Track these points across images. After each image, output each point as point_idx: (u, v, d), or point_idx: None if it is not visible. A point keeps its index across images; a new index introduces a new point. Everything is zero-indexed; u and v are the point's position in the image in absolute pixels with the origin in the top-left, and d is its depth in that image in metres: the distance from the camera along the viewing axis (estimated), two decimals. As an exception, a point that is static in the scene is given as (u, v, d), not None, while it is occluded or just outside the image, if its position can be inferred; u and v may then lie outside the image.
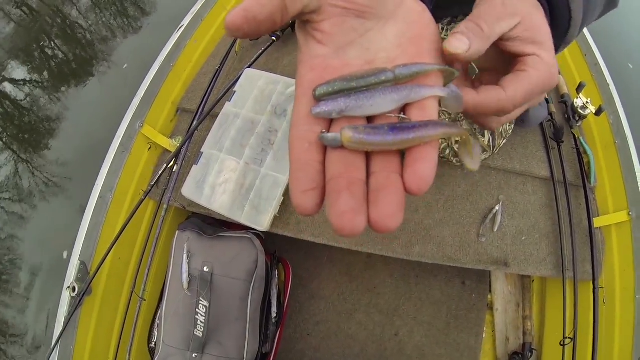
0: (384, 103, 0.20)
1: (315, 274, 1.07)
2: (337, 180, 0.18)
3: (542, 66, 0.24)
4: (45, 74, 2.44)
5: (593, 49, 1.06)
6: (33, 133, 2.16)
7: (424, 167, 0.18)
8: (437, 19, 0.27)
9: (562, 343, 0.77)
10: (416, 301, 1.03)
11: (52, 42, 2.62)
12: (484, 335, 1.00)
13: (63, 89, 2.31)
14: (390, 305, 1.03)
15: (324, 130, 0.19)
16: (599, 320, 0.79)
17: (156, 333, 0.88)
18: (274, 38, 0.88)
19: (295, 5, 0.19)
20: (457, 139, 0.79)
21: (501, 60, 0.26)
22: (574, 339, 0.76)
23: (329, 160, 0.19)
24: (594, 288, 0.80)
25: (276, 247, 0.96)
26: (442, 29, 0.66)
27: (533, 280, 1.05)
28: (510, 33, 0.24)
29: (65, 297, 0.75)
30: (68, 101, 2.17)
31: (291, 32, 0.94)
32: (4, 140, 2.14)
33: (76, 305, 0.74)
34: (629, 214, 0.87)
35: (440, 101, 0.22)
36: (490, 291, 1.05)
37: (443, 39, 0.23)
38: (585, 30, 1.10)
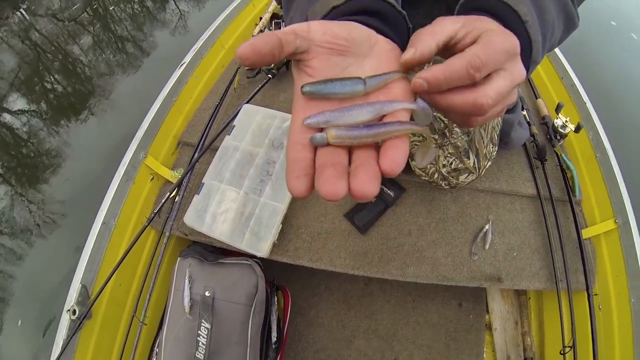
0: (361, 114, 0.26)
1: (313, 302, 1.11)
2: (324, 164, 0.24)
3: (494, 33, 0.27)
4: (45, 106, 2.54)
5: (569, 72, 1.17)
6: (30, 167, 2.22)
7: (395, 153, 0.24)
8: None
9: (562, 352, 0.80)
10: (414, 325, 1.07)
11: (53, 77, 2.76)
12: (484, 356, 1.03)
13: (62, 122, 2.40)
14: (389, 330, 1.06)
15: (316, 134, 0.25)
16: (596, 326, 0.82)
17: (155, 361, 0.91)
18: (269, 76, 0.98)
19: (290, 45, 0.26)
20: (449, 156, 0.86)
21: None
22: (573, 347, 0.79)
23: (318, 154, 0.25)
24: (589, 295, 0.84)
25: (274, 276, 1.01)
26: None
27: (529, 298, 1.09)
28: (458, 34, 0.28)
29: (65, 319, 0.78)
30: (66, 136, 2.24)
31: (285, 71, 1.04)
32: (1, 172, 2.19)
33: (76, 328, 0.77)
34: (615, 222, 0.93)
35: (412, 115, 0.28)
36: (487, 311, 1.09)
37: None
38: (561, 55, 1.22)
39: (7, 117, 2.51)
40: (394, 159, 0.24)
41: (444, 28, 0.28)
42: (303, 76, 0.28)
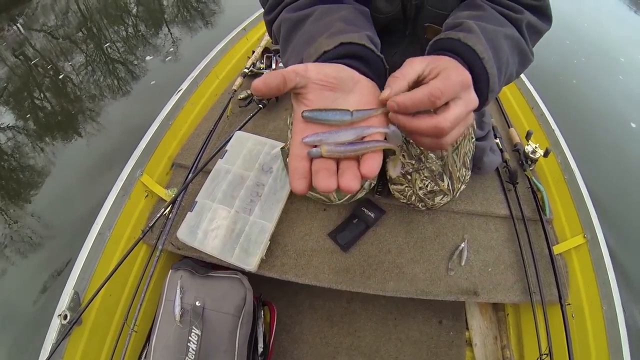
0: (346, 135, 0.35)
1: (297, 320, 1.18)
2: (318, 169, 0.33)
3: (452, 70, 0.36)
4: (31, 123, 2.61)
5: (539, 102, 1.32)
6: (12, 181, 2.25)
7: (372, 162, 0.34)
8: None
9: (538, 359, 0.88)
10: (396, 342, 1.15)
11: (42, 93, 2.85)
12: (465, 372, 1.11)
13: (47, 140, 2.44)
14: (371, 347, 1.14)
15: (312, 149, 0.34)
16: (570, 333, 0.90)
17: (143, 373, 0.97)
18: (260, 106, 1.11)
19: (292, 82, 0.35)
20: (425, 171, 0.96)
21: None
22: (550, 354, 0.87)
23: (314, 163, 0.34)
24: (562, 305, 0.93)
25: (261, 293, 1.09)
26: None
27: (507, 314, 1.18)
28: (425, 72, 0.37)
29: (55, 324, 0.82)
30: (52, 155, 2.29)
31: (275, 102, 1.17)
32: None
33: (65, 333, 0.82)
34: (584, 237, 1.04)
35: (386, 137, 0.37)
36: (467, 328, 1.17)
37: None
38: (530, 86, 1.38)
39: None
40: (371, 165, 0.34)
41: (413, 69, 0.37)
42: (301, 106, 0.38)
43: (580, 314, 0.98)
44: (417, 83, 0.38)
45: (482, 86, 0.43)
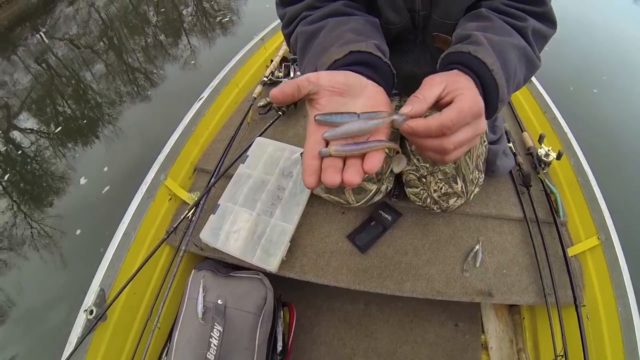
0: (357, 125, 0.39)
1: (315, 321, 1.22)
2: (327, 166, 0.38)
3: (465, 97, 0.39)
4: (53, 128, 2.75)
5: (551, 106, 1.35)
6: (35, 185, 2.35)
7: (373, 159, 0.38)
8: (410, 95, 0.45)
9: None
10: (412, 344, 1.17)
11: (64, 100, 2.99)
12: (481, 375, 1.13)
13: (70, 145, 2.56)
14: (388, 349, 1.17)
15: (322, 149, 0.39)
16: (585, 334, 0.92)
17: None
18: (280, 113, 1.17)
19: (305, 89, 0.39)
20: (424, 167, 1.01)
21: None
22: (565, 355, 0.89)
23: (323, 162, 0.39)
24: (577, 307, 0.95)
25: (281, 294, 1.13)
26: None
27: (524, 318, 1.21)
28: (442, 93, 0.41)
29: (82, 319, 0.88)
30: (72, 160, 2.40)
31: (294, 109, 1.23)
32: (4, 185, 2.29)
33: (91, 328, 0.87)
34: (598, 238, 1.06)
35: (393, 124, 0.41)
36: (483, 331, 1.20)
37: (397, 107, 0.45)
38: (542, 91, 1.41)
39: (16, 135, 2.67)
40: (372, 162, 0.38)
41: (432, 92, 0.41)
42: (314, 110, 0.42)
43: (595, 315, 1.00)
44: (436, 103, 0.42)
45: (492, 96, 0.46)
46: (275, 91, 0.38)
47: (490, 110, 0.47)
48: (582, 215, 1.14)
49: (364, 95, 0.44)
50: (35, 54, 3.50)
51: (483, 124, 0.42)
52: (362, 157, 0.39)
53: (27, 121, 2.80)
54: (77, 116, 2.81)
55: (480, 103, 0.40)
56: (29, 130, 2.71)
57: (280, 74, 1.40)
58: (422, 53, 0.76)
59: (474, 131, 0.41)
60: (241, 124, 1.25)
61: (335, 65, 0.48)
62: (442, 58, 0.51)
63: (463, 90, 0.41)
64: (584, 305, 1.00)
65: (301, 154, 1.12)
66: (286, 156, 1.12)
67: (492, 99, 0.47)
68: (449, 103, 0.41)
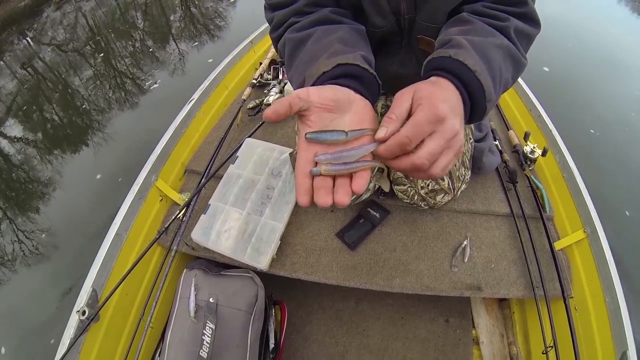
0: (353, 155, 0.42)
1: (307, 320, 1.25)
2: (318, 187, 0.41)
3: (421, 107, 0.40)
4: (40, 135, 2.74)
5: (536, 104, 1.40)
6: (22, 192, 2.34)
7: (360, 180, 0.41)
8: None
9: (544, 352, 0.93)
10: (404, 340, 1.20)
11: (51, 106, 2.98)
12: (472, 369, 1.16)
13: (56, 152, 2.55)
14: (380, 346, 1.20)
15: (313, 168, 0.42)
16: (574, 325, 0.95)
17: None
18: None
19: (296, 107, 0.42)
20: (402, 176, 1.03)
21: None
22: (554, 346, 0.92)
23: (315, 181, 0.41)
24: (564, 299, 0.98)
25: (272, 293, 1.16)
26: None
27: (513, 312, 1.24)
28: (413, 106, 0.42)
29: (74, 320, 0.89)
30: (60, 167, 2.39)
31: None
32: None
33: (83, 328, 0.88)
34: (584, 232, 1.10)
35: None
36: (473, 326, 1.23)
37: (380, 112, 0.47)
38: (527, 90, 1.46)
39: (2, 142, 2.66)
40: (359, 184, 0.41)
41: (402, 107, 0.42)
42: (305, 127, 0.44)
43: (583, 306, 1.03)
44: (408, 117, 0.43)
45: (479, 97, 0.47)
46: (268, 112, 0.40)
47: (479, 112, 0.48)
48: (568, 210, 1.18)
49: (351, 111, 0.46)
50: (22, 59, 3.50)
51: (450, 127, 0.40)
52: (350, 176, 0.42)
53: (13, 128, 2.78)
54: (63, 123, 2.79)
55: (438, 108, 0.40)
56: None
57: (269, 76, 1.44)
58: (408, 55, 0.78)
59: (442, 137, 0.40)
60: (231, 125, 1.28)
61: (323, 78, 0.50)
62: (424, 65, 0.52)
63: (422, 99, 0.41)
64: (572, 297, 1.04)
65: (290, 154, 1.16)
66: (275, 156, 1.15)
67: (479, 101, 0.47)
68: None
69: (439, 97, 0.41)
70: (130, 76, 3.10)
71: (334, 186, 0.42)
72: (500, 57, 0.53)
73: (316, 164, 0.42)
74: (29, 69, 3.37)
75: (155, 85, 2.89)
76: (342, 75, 0.50)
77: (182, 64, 3.10)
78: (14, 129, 2.80)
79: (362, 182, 0.42)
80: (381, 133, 0.42)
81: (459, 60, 0.46)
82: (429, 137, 0.40)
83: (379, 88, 0.54)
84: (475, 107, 0.48)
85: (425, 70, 0.51)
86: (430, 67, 0.50)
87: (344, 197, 0.40)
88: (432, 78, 0.47)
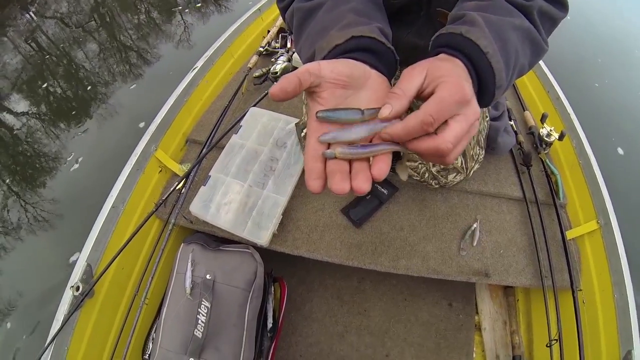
0: (360, 132, 0.36)
1: (307, 297, 1.19)
2: (333, 171, 0.35)
3: (445, 84, 0.35)
4: (45, 109, 2.65)
5: (554, 85, 1.30)
6: (26, 167, 2.28)
7: (382, 164, 0.35)
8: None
9: (548, 344, 0.87)
10: (405, 322, 1.14)
11: (56, 81, 2.89)
12: (474, 355, 1.10)
13: (62, 126, 2.48)
14: (381, 327, 1.14)
15: (326, 150, 0.36)
16: (581, 319, 0.89)
17: (151, 345, 0.98)
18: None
19: (306, 82, 0.36)
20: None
21: None
22: (559, 340, 0.86)
23: (328, 164, 0.36)
24: (573, 291, 0.92)
25: (272, 269, 1.09)
26: None
27: (518, 300, 1.17)
28: (424, 84, 0.36)
29: (68, 296, 0.83)
30: (66, 141, 2.32)
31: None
32: None
33: (77, 304, 0.83)
34: (597, 223, 1.02)
35: None
36: (477, 312, 1.17)
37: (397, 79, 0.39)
38: (546, 70, 1.36)
39: (7, 117, 2.59)
40: (381, 168, 0.35)
41: (412, 84, 0.36)
42: (316, 105, 0.39)
43: (591, 301, 0.97)
44: (418, 96, 0.38)
45: (488, 82, 0.41)
46: (275, 90, 0.35)
47: (487, 98, 0.42)
48: (582, 198, 1.10)
49: (367, 88, 0.40)
50: (25, 34, 3.38)
51: (474, 110, 0.36)
52: (368, 159, 0.36)
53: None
54: (68, 97, 2.70)
55: (465, 87, 0.35)
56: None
57: (277, 45, 1.33)
58: (426, 26, 0.71)
59: (467, 121, 0.35)
60: (235, 94, 1.18)
61: (335, 51, 0.43)
62: (432, 40, 0.45)
63: (443, 77, 0.36)
64: (581, 290, 0.98)
65: (296, 124, 1.07)
66: (280, 126, 1.06)
67: (488, 86, 0.41)
68: (431, 94, 0.36)
69: (462, 75, 0.37)
70: (135, 49, 2.98)
71: (350, 171, 0.36)
72: (518, 40, 0.46)
73: (329, 146, 0.36)
74: (32, 44, 3.26)
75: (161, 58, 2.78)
76: (356, 49, 0.43)
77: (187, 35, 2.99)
78: (19, 103, 2.72)
79: (384, 167, 0.35)
80: (385, 111, 0.36)
81: (470, 39, 0.40)
82: (452, 119, 0.35)
83: (396, 63, 0.46)
84: (483, 92, 0.42)
85: (433, 45, 0.45)
86: (438, 44, 0.43)
87: (364, 184, 0.34)
88: (441, 55, 0.41)
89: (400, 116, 0.37)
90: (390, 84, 0.44)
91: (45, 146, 2.33)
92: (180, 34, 3.02)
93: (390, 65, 0.46)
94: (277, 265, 1.08)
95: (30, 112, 2.63)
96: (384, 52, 0.44)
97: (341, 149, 0.35)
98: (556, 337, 0.88)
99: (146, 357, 0.99)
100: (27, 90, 2.84)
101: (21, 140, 2.43)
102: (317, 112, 0.37)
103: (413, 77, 0.37)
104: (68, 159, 2.20)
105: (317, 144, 0.37)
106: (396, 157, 0.97)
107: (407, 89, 0.36)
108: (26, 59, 3.12)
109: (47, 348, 0.79)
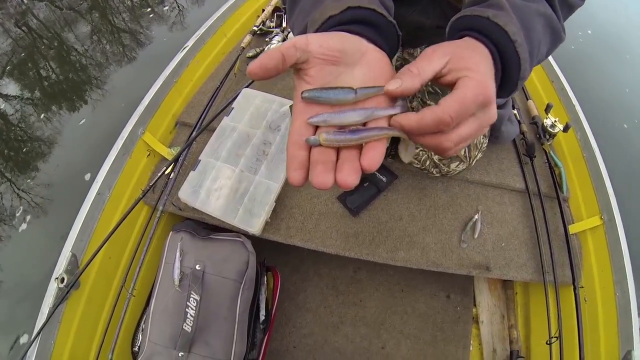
0: (354, 116, 0.31)
1: (301, 287, 1.13)
2: (316, 161, 0.30)
3: (471, 82, 0.30)
4: (37, 93, 2.55)
5: (559, 76, 1.24)
6: (19, 152, 2.22)
7: (373, 153, 0.30)
8: (415, 47, 0.37)
9: (548, 342, 0.84)
10: (402, 314, 1.10)
11: (48, 64, 2.77)
12: (470, 349, 1.06)
13: (54, 109, 2.40)
14: (377, 319, 1.09)
15: (310, 137, 0.31)
16: (582, 317, 0.86)
17: (140, 337, 0.92)
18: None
19: (291, 58, 0.31)
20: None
21: None
22: (559, 337, 0.83)
23: (312, 152, 0.31)
24: (575, 288, 0.88)
25: (265, 258, 1.03)
26: (420, 52, 0.81)
27: (516, 293, 1.13)
28: (443, 70, 0.32)
29: (52, 288, 0.78)
30: (59, 124, 2.25)
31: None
32: None
33: (62, 297, 0.77)
34: (601, 218, 0.98)
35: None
36: (475, 305, 1.12)
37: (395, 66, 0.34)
38: (552, 60, 1.29)
39: None
40: (372, 157, 0.30)
41: (431, 66, 0.32)
42: (302, 83, 0.33)
43: (591, 298, 0.94)
44: (434, 79, 0.33)
45: (513, 73, 0.36)
46: (253, 66, 0.30)
47: (508, 89, 0.38)
48: (586, 193, 1.06)
49: (363, 64, 0.35)
50: (15, 16, 3.23)
51: (490, 116, 0.32)
52: (359, 147, 0.31)
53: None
54: (60, 80, 2.60)
55: (490, 89, 0.31)
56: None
57: (272, 24, 1.25)
58: (432, 4, 0.65)
59: (479, 124, 0.32)
60: (227, 74, 1.10)
61: (329, 23, 0.37)
62: (452, 23, 0.39)
63: (469, 71, 0.31)
64: (582, 287, 0.94)
65: (290, 106, 1.00)
66: (274, 109, 0.99)
67: (512, 76, 0.36)
68: (450, 83, 0.32)
69: (487, 72, 0.33)
70: (128, 30, 2.86)
71: (337, 161, 0.31)
72: (541, 28, 0.42)
73: (315, 130, 0.31)
74: (23, 28, 3.12)
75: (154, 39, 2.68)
76: (353, 21, 0.37)
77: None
78: (10, 87, 2.62)
79: (377, 156, 0.30)
80: (393, 85, 0.32)
81: (498, 24, 0.35)
82: (464, 120, 0.31)
83: (398, 40, 0.41)
84: (505, 83, 0.37)
85: (454, 28, 0.39)
86: (461, 26, 0.38)
87: (350, 176, 0.29)
88: (466, 39, 0.36)
89: (406, 96, 0.33)
90: (392, 62, 0.38)
91: (37, 130, 2.24)
92: (174, 16, 2.90)
93: (392, 40, 0.40)
94: (270, 253, 1.03)
95: (22, 96, 2.54)
96: (384, 26, 0.38)
97: (326, 134, 0.30)
98: (556, 335, 0.84)
99: (136, 349, 0.93)
100: (17, 74, 2.73)
101: (13, 125, 2.34)
102: (302, 92, 0.32)
103: (433, 59, 0.32)
104: (60, 142, 2.12)
105: (302, 128, 0.32)
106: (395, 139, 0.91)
107: (423, 70, 0.32)
108: (16, 42, 2.99)
109: (32, 342, 0.74)
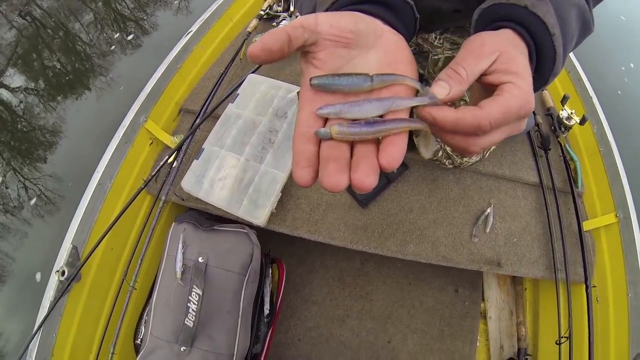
0: (371, 109, 0.26)
1: (307, 279, 1.09)
2: (327, 157, 0.25)
3: (517, 91, 0.27)
4: (42, 83, 2.50)
5: (576, 66, 1.17)
6: (25, 142, 2.18)
7: (393, 149, 0.25)
8: (430, 32, 0.31)
9: (557, 342, 0.80)
10: (409, 308, 1.05)
11: (53, 54, 2.72)
12: (477, 344, 1.02)
13: (59, 99, 2.36)
14: (383, 312, 1.05)
15: (320, 129, 0.26)
16: (593, 318, 0.82)
17: (143, 329, 0.89)
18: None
19: (298, 40, 0.26)
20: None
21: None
22: (569, 337, 0.79)
23: (322, 147, 0.26)
24: (587, 287, 0.84)
25: (270, 250, 0.99)
26: (435, 37, 0.75)
27: (525, 289, 1.08)
28: (489, 68, 0.28)
29: (53, 281, 0.75)
30: (64, 113, 2.21)
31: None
32: None
33: (64, 290, 0.74)
34: (616, 216, 0.93)
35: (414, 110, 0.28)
36: (483, 300, 1.08)
37: (437, 46, 0.28)
38: None
39: (3, 93, 2.47)
40: (392, 154, 0.25)
41: (479, 67, 0.28)
42: (310, 68, 0.29)
43: (603, 297, 0.89)
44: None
45: (546, 67, 0.32)
46: (254, 48, 0.25)
47: (538, 84, 0.33)
48: (601, 189, 1.00)
49: (378, 47, 0.30)
50: (18, 7, 3.17)
51: (522, 125, 0.29)
52: (376, 142, 0.26)
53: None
54: (66, 70, 2.55)
55: (532, 102, 0.27)
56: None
57: (279, 9, 1.18)
58: None
59: (509, 132, 0.28)
60: (233, 60, 1.04)
61: (341, 2, 0.32)
62: (482, 10, 0.34)
63: (516, 77, 0.27)
64: (595, 286, 0.89)
65: (297, 92, 0.94)
66: (281, 95, 0.93)
67: (544, 72, 0.32)
68: (492, 84, 0.28)
69: (530, 80, 0.28)
70: (134, 18, 2.79)
71: (351, 157, 0.26)
72: (575, 20, 0.37)
73: (325, 122, 0.27)
74: (27, 18, 3.06)
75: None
76: (367, 1, 0.32)
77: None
78: (15, 78, 2.57)
79: (397, 153, 0.25)
80: (442, 92, 0.27)
81: (537, 14, 0.30)
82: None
83: (415, 24, 0.36)
84: (536, 80, 0.32)
85: (486, 16, 0.34)
86: (494, 16, 0.33)
87: (368, 176, 0.24)
88: (506, 32, 0.31)
89: (446, 103, 0.28)
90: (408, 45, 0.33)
91: (43, 120, 2.20)
92: (179, 2, 2.83)
93: (409, 22, 0.36)
94: (275, 244, 0.98)
95: (27, 87, 2.49)
96: (400, 6, 0.34)
97: (339, 126, 0.25)
98: (566, 335, 0.80)
99: (138, 341, 0.90)
100: (22, 65, 2.68)
101: (19, 116, 2.31)
102: (311, 79, 0.27)
103: (482, 57, 0.28)
104: (65, 132, 2.09)
105: (311, 119, 0.27)
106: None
107: (472, 72, 0.27)
108: (20, 33, 2.93)
109: (34, 336, 0.71)
